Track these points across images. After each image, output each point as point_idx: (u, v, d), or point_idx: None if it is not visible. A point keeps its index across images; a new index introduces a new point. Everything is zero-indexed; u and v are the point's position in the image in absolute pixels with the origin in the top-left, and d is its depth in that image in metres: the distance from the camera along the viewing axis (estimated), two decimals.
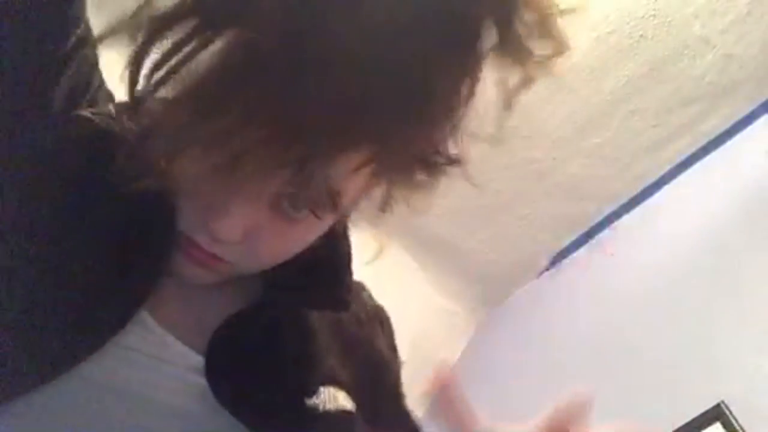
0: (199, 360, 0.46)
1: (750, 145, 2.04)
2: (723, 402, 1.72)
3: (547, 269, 2.44)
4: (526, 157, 2.07)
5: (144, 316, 0.44)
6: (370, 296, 0.66)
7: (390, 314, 0.66)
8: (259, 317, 0.49)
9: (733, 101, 2.05)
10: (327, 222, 0.46)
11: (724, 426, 1.72)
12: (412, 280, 2.32)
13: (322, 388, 0.49)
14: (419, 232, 2.28)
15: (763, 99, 2.07)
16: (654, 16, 1.75)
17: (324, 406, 0.48)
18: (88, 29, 0.45)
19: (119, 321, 0.42)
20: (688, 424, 1.75)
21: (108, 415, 0.41)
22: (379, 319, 0.64)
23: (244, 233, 0.41)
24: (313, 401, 0.48)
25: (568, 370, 1.98)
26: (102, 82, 0.49)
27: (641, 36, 1.80)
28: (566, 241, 2.32)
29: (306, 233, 0.46)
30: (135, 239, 0.43)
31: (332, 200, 0.42)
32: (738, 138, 2.10)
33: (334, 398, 0.49)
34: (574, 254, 2.30)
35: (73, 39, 0.43)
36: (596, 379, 1.79)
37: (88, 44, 0.45)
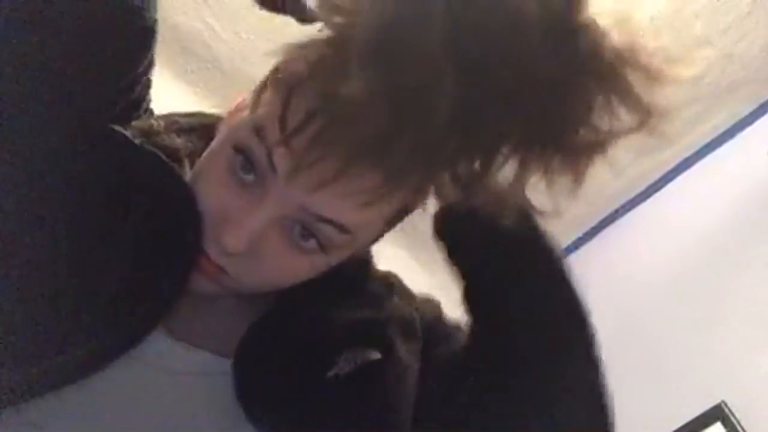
0: (223, 365, 0.47)
1: (751, 145, 2.04)
2: (724, 402, 1.73)
3: None
4: None
5: (158, 331, 0.46)
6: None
7: None
8: (281, 323, 0.51)
9: (733, 101, 2.05)
10: (334, 258, 0.46)
11: (725, 426, 1.73)
12: (412, 280, 2.30)
13: (341, 355, 0.49)
14: (421, 233, 2.27)
15: (763, 99, 2.07)
16: (655, 16, 1.75)
17: (342, 369, 0.48)
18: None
19: (138, 335, 0.44)
20: (689, 424, 1.75)
21: (127, 426, 0.42)
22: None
23: (249, 244, 0.42)
24: (331, 372, 0.48)
25: None
26: (150, 103, 0.51)
27: (641, 36, 1.80)
28: (564, 243, 2.31)
29: (310, 264, 0.46)
30: (158, 255, 0.44)
31: (341, 238, 0.43)
32: (739, 138, 2.10)
33: (353, 357, 0.49)
34: (571, 256, 2.30)
35: (148, 58, 0.47)
36: None
37: (153, 65, 0.48)
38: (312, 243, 0.44)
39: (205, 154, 0.47)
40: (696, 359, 1.78)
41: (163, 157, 0.46)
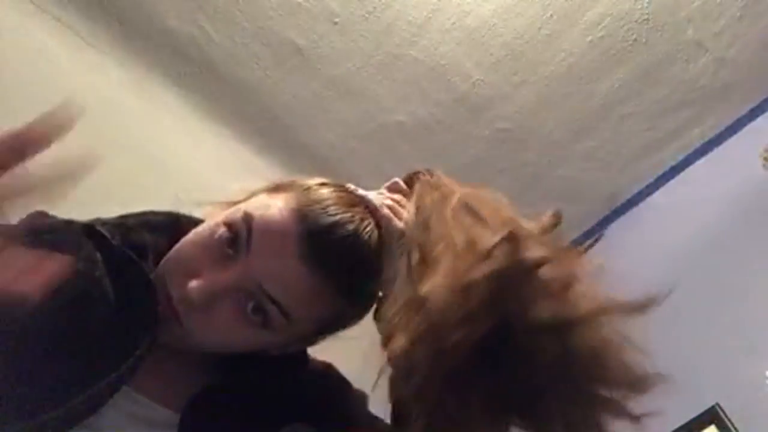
0: (173, 418, 0.54)
1: (744, 147, 2.05)
2: (718, 404, 1.73)
3: None
4: (521, 161, 2.07)
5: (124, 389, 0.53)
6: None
7: None
8: (228, 390, 0.58)
9: (726, 104, 2.06)
10: (271, 337, 0.55)
11: (719, 428, 1.73)
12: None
13: (284, 429, 0.56)
14: None
15: (756, 102, 2.08)
16: (647, 20, 1.76)
17: None
18: None
19: (107, 394, 0.51)
20: (683, 427, 1.75)
21: None
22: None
23: (207, 297, 0.51)
24: None
25: None
26: None
27: (635, 40, 1.80)
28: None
29: (252, 335, 0.54)
30: (129, 328, 0.52)
31: (281, 321, 0.53)
32: (732, 141, 2.11)
33: (293, 430, 0.56)
34: None
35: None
36: None
37: None
38: (258, 318, 0.53)
39: (200, 225, 0.57)
40: (690, 362, 1.78)
41: (133, 255, 0.55)
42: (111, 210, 0.62)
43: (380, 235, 0.56)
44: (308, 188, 0.57)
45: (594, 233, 2.31)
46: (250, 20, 1.63)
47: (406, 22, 1.69)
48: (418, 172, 0.60)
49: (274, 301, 0.52)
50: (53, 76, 1.40)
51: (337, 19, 1.66)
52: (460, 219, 0.48)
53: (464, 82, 1.84)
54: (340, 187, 0.59)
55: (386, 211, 0.58)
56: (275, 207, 0.55)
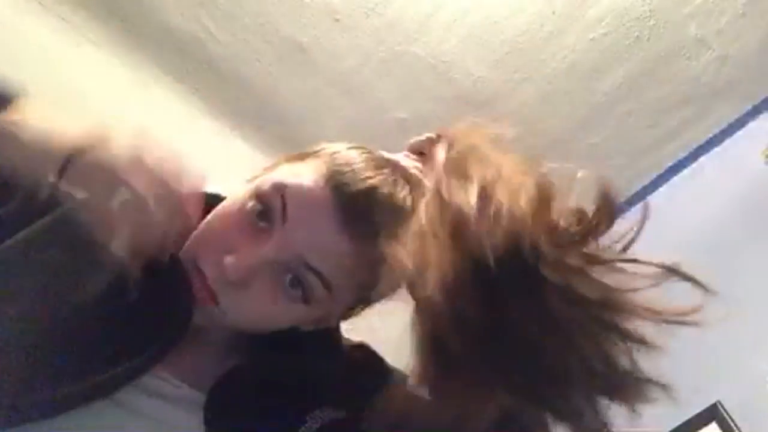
0: (200, 398, 0.52)
1: (746, 145, 2.05)
2: (719, 402, 1.73)
3: None
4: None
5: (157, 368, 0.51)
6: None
7: None
8: (257, 372, 0.56)
9: (728, 102, 2.05)
10: (311, 313, 0.53)
11: (721, 426, 1.73)
12: None
13: (312, 414, 0.54)
14: None
15: (758, 99, 2.08)
16: (650, 17, 1.76)
17: (310, 430, 0.53)
18: None
19: (147, 367, 0.50)
20: (684, 424, 1.76)
21: None
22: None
23: (246, 273, 0.49)
24: (302, 430, 0.53)
25: None
26: None
27: (637, 37, 1.80)
28: None
29: (291, 312, 0.53)
30: (161, 309, 0.50)
31: (322, 294, 0.51)
32: (734, 138, 2.10)
33: (320, 416, 0.54)
34: None
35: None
36: None
37: None
38: (297, 292, 0.51)
39: (226, 200, 0.55)
40: (692, 360, 1.78)
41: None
42: None
43: (413, 197, 0.53)
44: (336, 152, 0.55)
45: None
46: (252, 17, 1.63)
47: (408, 19, 1.69)
48: (439, 136, 0.58)
49: (315, 272, 0.50)
50: (55, 74, 1.40)
51: (338, 16, 1.66)
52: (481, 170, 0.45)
53: (466, 79, 1.84)
54: (366, 150, 0.57)
55: (415, 171, 0.56)
56: (306, 174, 0.52)
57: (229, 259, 0.49)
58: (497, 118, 0.52)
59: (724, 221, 1.96)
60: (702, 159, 2.15)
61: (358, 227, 0.50)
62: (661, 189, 2.21)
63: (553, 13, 1.72)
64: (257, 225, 0.51)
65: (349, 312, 0.58)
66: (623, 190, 2.26)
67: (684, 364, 1.92)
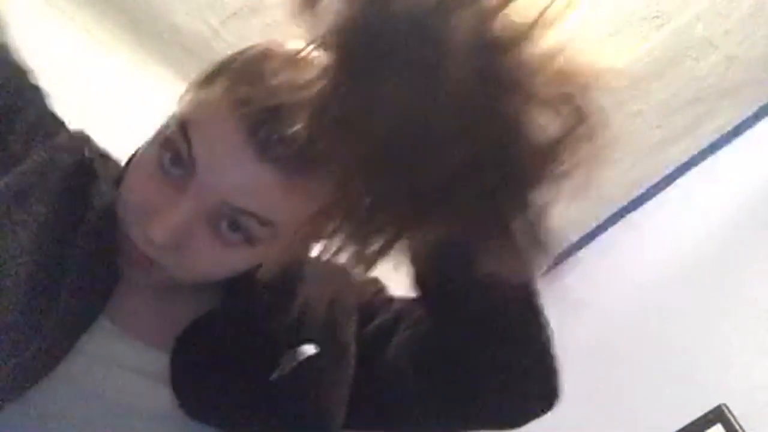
0: (164, 361, 0.48)
1: (753, 146, 2.04)
2: (724, 404, 1.72)
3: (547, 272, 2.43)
4: None
5: (105, 323, 0.47)
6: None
7: None
8: (220, 321, 0.52)
9: (736, 103, 2.04)
10: (263, 251, 0.47)
11: (725, 428, 1.72)
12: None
13: (283, 356, 0.51)
14: None
15: (766, 100, 2.07)
16: (657, 17, 1.75)
17: (284, 370, 0.50)
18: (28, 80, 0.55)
19: (79, 327, 0.45)
20: (689, 426, 1.75)
21: (78, 421, 0.44)
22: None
23: (173, 238, 0.44)
24: (275, 374, 0.50)
25: (569, 372, 1.98)
26: (54, 117, 0.57)
27: (644, 38, 1.79)
28: (566, 243, 2.31)
29: (239, 257, 0.47)
30: (89, 261, 0.47)
31: (264, 231, 0.45)
32: (741, 139, 2.09)
33: (294, 355, 0.51)
34: (571, 259, 2.29)
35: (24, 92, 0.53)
36: (597, 382, 1.79)
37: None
38: (238, 236, 0.45)
39: (138, 152, 0.49)
40: (696, 361, 1.77)
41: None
42: None
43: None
44: (245, 63, 0.47)
45: (596, 236, 2.30)
46: (258, 17, 1.63)
47: None
48: None
49: (247, 213, 0.44)
50: (58, 72, 1.41)
51: None
52: None
53: None
54: (284, 52, 0.46)
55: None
56: (210, 102, 0.45)
57: (152, 224, 0.43)
58: None
59: (732, 222, 1.95)
60: (709, 160, 2.14)
61: (278, 154, 0.42)
62: (667, 190, 2.20)
63: None
64: (172, 175, 0.44)
65: (317, 234, 0.48)
66: (629, 192, 2.25)
67: (689, 365, 1.93)
